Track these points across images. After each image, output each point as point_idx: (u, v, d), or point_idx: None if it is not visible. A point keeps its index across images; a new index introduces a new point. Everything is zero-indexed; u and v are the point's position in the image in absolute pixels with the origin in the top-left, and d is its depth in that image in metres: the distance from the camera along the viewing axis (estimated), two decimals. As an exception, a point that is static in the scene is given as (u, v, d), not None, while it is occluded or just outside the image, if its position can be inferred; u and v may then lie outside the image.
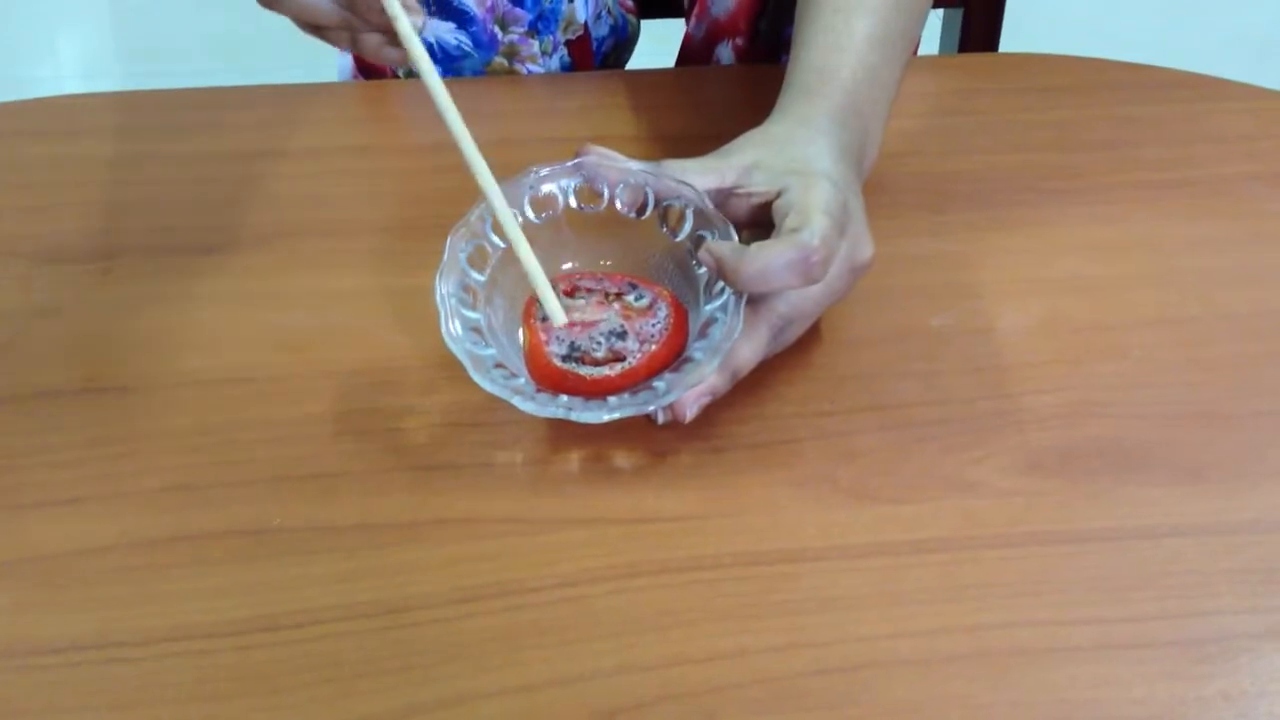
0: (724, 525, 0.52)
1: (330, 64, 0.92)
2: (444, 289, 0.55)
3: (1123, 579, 0.50)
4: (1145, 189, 0.71)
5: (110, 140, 0.76)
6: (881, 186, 0.67)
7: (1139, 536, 0.52)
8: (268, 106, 0.79)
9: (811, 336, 0.60)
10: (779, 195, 0.56)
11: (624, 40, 0.93)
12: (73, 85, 2.15)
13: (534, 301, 0.56)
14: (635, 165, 0.58)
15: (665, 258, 0.58)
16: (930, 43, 0.93)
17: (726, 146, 0.60)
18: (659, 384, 0.53)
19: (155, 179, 0.72)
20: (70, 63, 2.24)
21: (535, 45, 0.84)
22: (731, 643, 0.48)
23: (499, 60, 0.84)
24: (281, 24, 0.59)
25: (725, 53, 0.85)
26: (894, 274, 0.64)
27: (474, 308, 0.56)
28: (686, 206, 0.57)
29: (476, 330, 0.55)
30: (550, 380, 0.53)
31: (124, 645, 0.48)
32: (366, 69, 0.87)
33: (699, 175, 0.57)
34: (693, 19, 0.87)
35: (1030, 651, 0.48)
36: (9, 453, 0.56)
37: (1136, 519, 0.53)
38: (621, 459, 0.55)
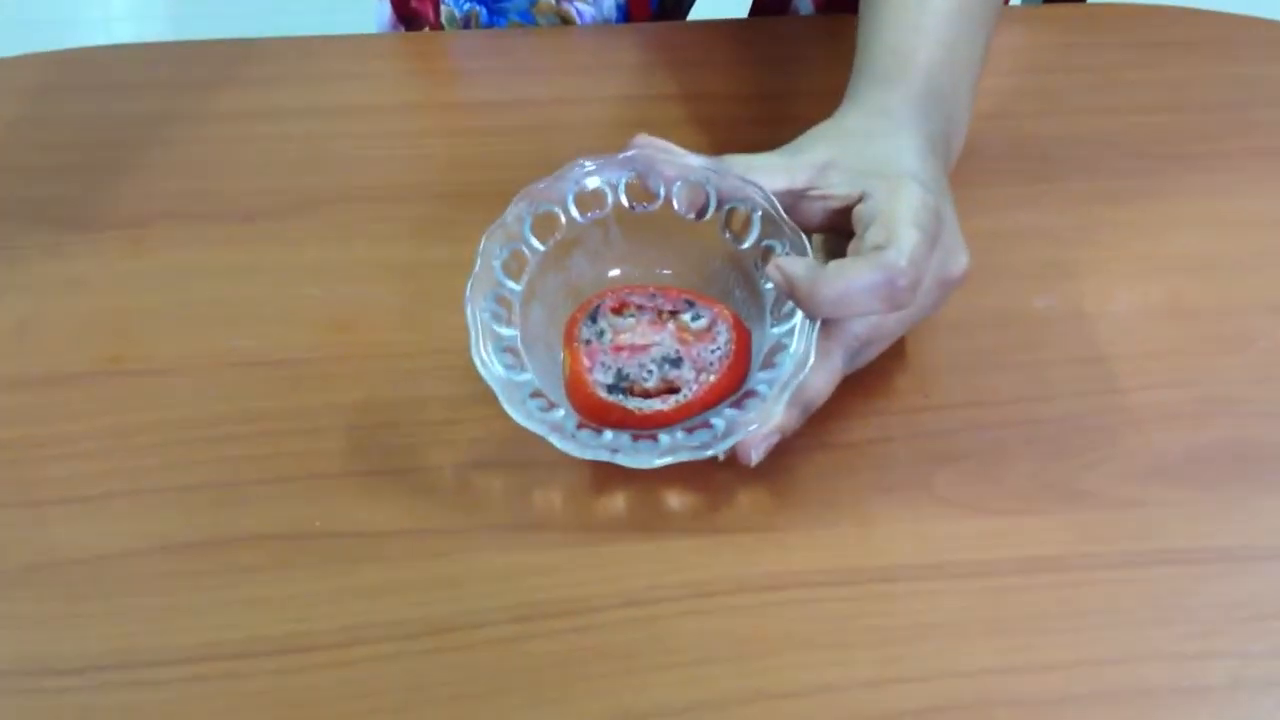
0: (807, 538, 0.47)
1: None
2: (475, 306, 0.49)
3: (1261, 604, 0.45)
4: (1268, 156, 0.65)
5: (143, 96, 0.71)
6: (972, 151, 0.60)
7: (1278, 555, 0.46)
8: (309, 60, 0.74)
9: (902, 322, 0.55)
10: (860, 200, 0.49)
11: (687, -17, 0.87)
12: (120, 27, 2.10)
13: (576, 323, 0.50)
14: (695, 160, 0.51)
15: (727, 266, 0.52)
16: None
17: (796, 142, 0.53)
18: (718, 422, 0.47)
19: (190, 139, 0.67)
20: (118, 3, 2.19)
21: None
22: (817, 676, 0.43)
23: None
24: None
25: (804, 3, 0.78)
26: (991, 251, 0.58)
27: (508, 322, 0.50)
28: (753, 210, 0.51)
29: (511, 350, 0.49)
30: (593, 412, 0.48)
31: (149, 666, 0.44)
32: (406, 18, 0.82)
33: (767, 175, 0.51)
34: (768, -33, 0.80)
35: (1156, 691, 0.42)
36: (27, 443, 0.51)
37: (1274, 534, 0.47)
38: (693, 462, 0.49)
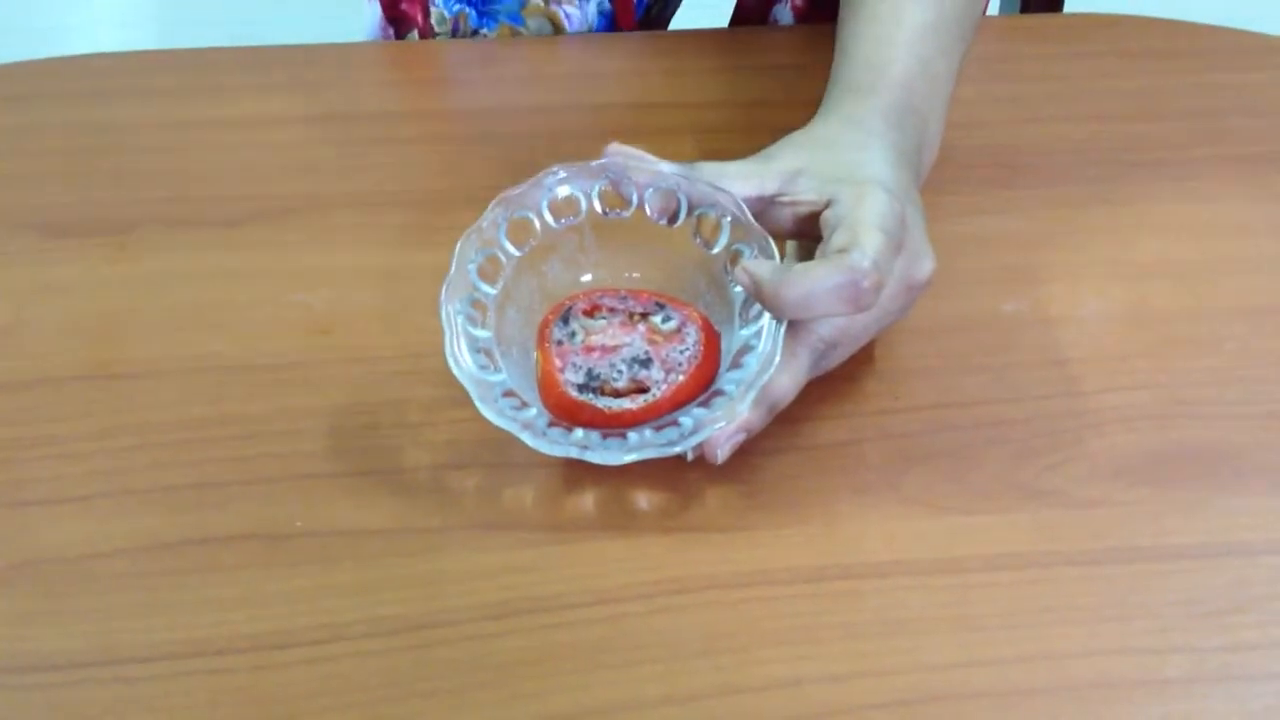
0: (777, 537, 0.48)
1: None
2: (450, 308, 0.50)
3: (1217, 601, 0.46)
4: (1236, 163, 0.66)
5: (128, 103, 0.72)
6: (945, 159, 0.61)
7: (1236, 553, 0.47)
8: (294, 68, 0.75)
9: (873, 325, 0.56)
10: (828, 205, 0.50)
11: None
12: (106, 33, 2.11)
13: (549, 324, 0.51)
14: (667, 167, 0.52)
15: (697, 271, 0.53)
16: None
17: (768, 149, 0.54)
18: (685, 420, 0.48)
19: (174, 146, 0.68)
20: (104, 9, 2.20)
21: None
22: (786, 671, 0.44)
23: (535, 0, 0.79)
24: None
25: (784, 13, 0.80)
26: (961, 256, 0.59)
27: (482, 324, 0.51)
28: (723, 216, 0.52)
29: (485, 352, 0.50)
30: (564, 411, 0.49)
31: (129, 662, 0.44)
32: (395, 20, 0.83)
33: (737, 181, 0.52)
34: (747, -23, 0.81)
35: (1117, 684, 0.43)
36: (12, 445, 0.52)
37: (1233, 533, 0.48)
38: (664, 462, 0.50)
